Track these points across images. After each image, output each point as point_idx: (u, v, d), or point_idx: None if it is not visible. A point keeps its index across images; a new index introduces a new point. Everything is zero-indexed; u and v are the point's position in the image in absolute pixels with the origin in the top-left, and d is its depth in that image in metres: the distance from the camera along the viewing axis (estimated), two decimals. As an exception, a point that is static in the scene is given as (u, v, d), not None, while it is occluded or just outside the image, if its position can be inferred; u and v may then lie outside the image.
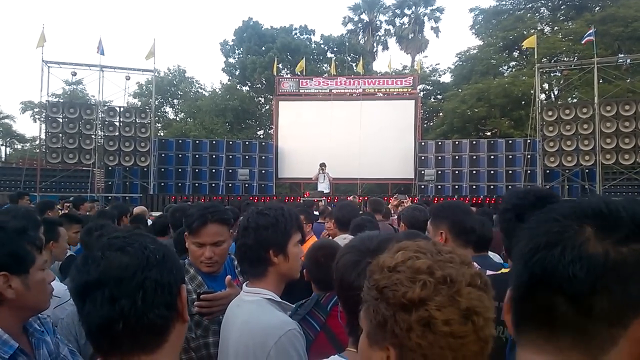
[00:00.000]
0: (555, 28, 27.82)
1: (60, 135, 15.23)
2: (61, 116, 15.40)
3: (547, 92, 26.29)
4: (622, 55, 17.10)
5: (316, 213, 6.83)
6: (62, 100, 22.05)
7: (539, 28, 27.31)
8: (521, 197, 2.00)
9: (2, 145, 38.21)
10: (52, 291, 1.73)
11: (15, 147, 38.39)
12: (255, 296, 1.87)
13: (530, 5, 29.79)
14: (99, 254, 1.09)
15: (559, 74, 20.68)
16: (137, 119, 16.14)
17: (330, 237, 4.47)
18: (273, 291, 1.89)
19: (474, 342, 0.86)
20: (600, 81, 16.11)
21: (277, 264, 1.90)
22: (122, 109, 16.35)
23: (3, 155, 36.67)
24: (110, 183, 16.60)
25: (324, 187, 14.87)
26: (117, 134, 15.92)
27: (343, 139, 18.41)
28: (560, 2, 29.19)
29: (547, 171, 15.94)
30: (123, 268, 1.07)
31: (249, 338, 1.75)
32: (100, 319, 1.05)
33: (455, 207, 2.73)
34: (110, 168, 16.40)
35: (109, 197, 15.93)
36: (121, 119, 16.08)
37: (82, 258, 1.12)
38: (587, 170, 15.24)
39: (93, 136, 15.68)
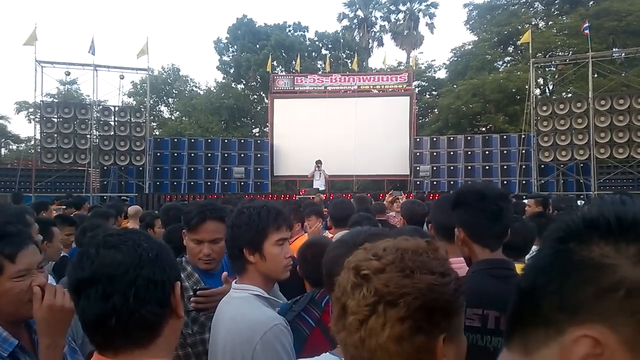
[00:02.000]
0: (550, 23, 27.88)
1: (55, 135, 15.19)
2: (56, 116, 15.37)
3: (541, 87, 26.35)
4: (617, 49, 17.16)
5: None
6: (56, 100, 21.97)
7: (533, 23, 27.34)
8: (504, 192, 2.13)
9: (-4, 146, 38.06)
10: (30, 297, 1.63)
11: (10, 147, 38.26)
12: (243, 292, 1.89)
13: (524, 0, 29.84)
14: (93, 252, 1.12)
15: (554, 69, 20.81)
16: (132, 118, 16.12)
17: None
18: (260, 287, 1.91)
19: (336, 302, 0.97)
20: (595, 75, 16.17)
21: (254, 263, 1.92)
22: (116, 109, 16.33)
23: (-2, 156, 36.54)
24: (105, 183, 16.58)
25: (319, 184, 14.90)
26: (112, 133, 15.89)
27: (338, 136, 18.41)
28: (554, -4, 29.24)
29: (542, 166, 16.00)
30: (116, 266, 1.09)
31: (236, 334, 1.77)
32: (94, 315, 1.08)
33: (434, 207, 2.76)
34: (105, 168, 16.37)
35: (105, 197, 15.92)
36: (116, 119, 16.05)
37: (78, 255, 1.15)
38: (581, 165, 15.29)
39: (88, 136, 15.65)
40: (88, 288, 1.09)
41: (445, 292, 0.89)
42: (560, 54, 23.86)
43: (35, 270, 1.66)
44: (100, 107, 16.44)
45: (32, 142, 21.33)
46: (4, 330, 1.56)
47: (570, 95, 19.86)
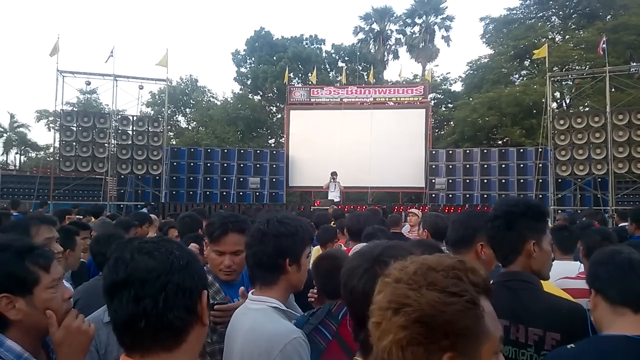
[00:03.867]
0: (567, 37, 27.73)
1: (74, 143, 15.40)
2: (75, 125, 15.58)
3: (558, 101, 26.16)
4: (635, 63, 16.98)
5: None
6: (76, 109, 22.35)
7: (550, 37, 27.23)
8: (512, 205, 2.05)
9: (16, 153, 38.80)
10: (68, 308, 1.68)
11: (30, 155, 38.91)
12: (261, 304, 1.91)
13: (541, 14, 29.74)
14: (128, 257, 1.19)
15: (571, 83, 20.60)
16: (149, 128, 16.30)
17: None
18: (279, 300, 1.93)
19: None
20: (613, 90, 16.00)
21: (290, 273, 1.95)
22: (135, 118, 16.52)
23: (17, 164, 37.20)
24: (122, 191, 16.74)
25: (334, 195, 14.90)
26: (130, 142, 16.07)
27: (354, 148, 18.44)
28: (571, 10, 29.10)
29: (559, 180, 15.81)
30: (149, 270, 1.15)
31: (255, 346, 1.78)
32: (125, 316, 1.14)
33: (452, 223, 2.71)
34: (122, 176, 16.55)
35: (121, 206, 16.09)
36: (134, 128, 16.24)
37: (114, 259, 1.21)
38: (599, 179, 15.10)
39: (106, 145, 15.84)
40: (121, 291, 1.15)
41: (446, 312, 0.90)
42: (577, 67, 23.66)
43: (62, 281, 1.70)
44: (119, 116, 16.66)
45: (51, 150, 21.66)
46: (24, 352, 1.56)
47: (587, 109, 19.67)
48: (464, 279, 0.95)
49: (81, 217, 8.56)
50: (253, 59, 32.79)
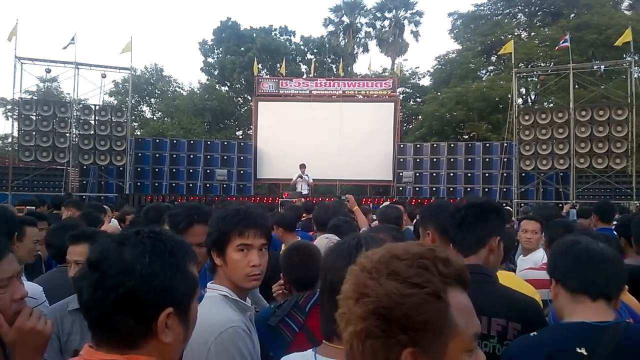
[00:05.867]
0: (532, 34, 28.32)
1: (34, 133, 14.91)
2: (35, 114, 15.09)
3: (524, 97, 26.71)
4: (597, 61, 17.46)
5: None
6: (35, 98, 21.59)
7: (516, 33, 27.75)
8: (487, 200, 2.29)
9: (-28, 143, 37.38)
10: (19, 308, 1.57)
11: (-14, 145, 37.52)
12: (213, 292, 1.87)
13: (507, 10, 30.30)
14: (110, 242, 1.12)
15: (536, 79, 21.07)
16: (113, 118, 15.90)
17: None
18: (230, 289, 1.87)
19: None
20: (576, 87, 16.40)
21: (220, 266, 1.89)
22: (97, 107, 16.08)
23: (-26, 153, 35.86)
24: (85, 182, 16.31)
25: (303, 188, 14.85)
26: (92, 132, 15.65)
27: (322, 141, 18.40)
28: (537, 8, 29.74)
29: (523, 174, 16.16)
30: (112, 264, 1.07)
31: (196, 334, 1.73)
32: (85, 298, 1.09)
33: (438, 208, 2.72)
34: (85, 167, 16.11)
35: (84, 197, 15.65)
36: (97, 118, 15.82)
37: (104, 240, 1.16)
38: (561, 174, 15.51)
39: (67, 134, 15.39)
40: (91, 271, 1.09)
41: (404, 304, 0.83)
42: (542, 64, 24.19)
43: (16, 280, 1.59)
44: (81, 105, 16.18)
45: (10, 140, 20.94)
46: None
47: (551, 105, 20.13)
48: (431, 268, 0.88)
49: (34, 207, 8.29)
50: (221, 49, 32.39)
